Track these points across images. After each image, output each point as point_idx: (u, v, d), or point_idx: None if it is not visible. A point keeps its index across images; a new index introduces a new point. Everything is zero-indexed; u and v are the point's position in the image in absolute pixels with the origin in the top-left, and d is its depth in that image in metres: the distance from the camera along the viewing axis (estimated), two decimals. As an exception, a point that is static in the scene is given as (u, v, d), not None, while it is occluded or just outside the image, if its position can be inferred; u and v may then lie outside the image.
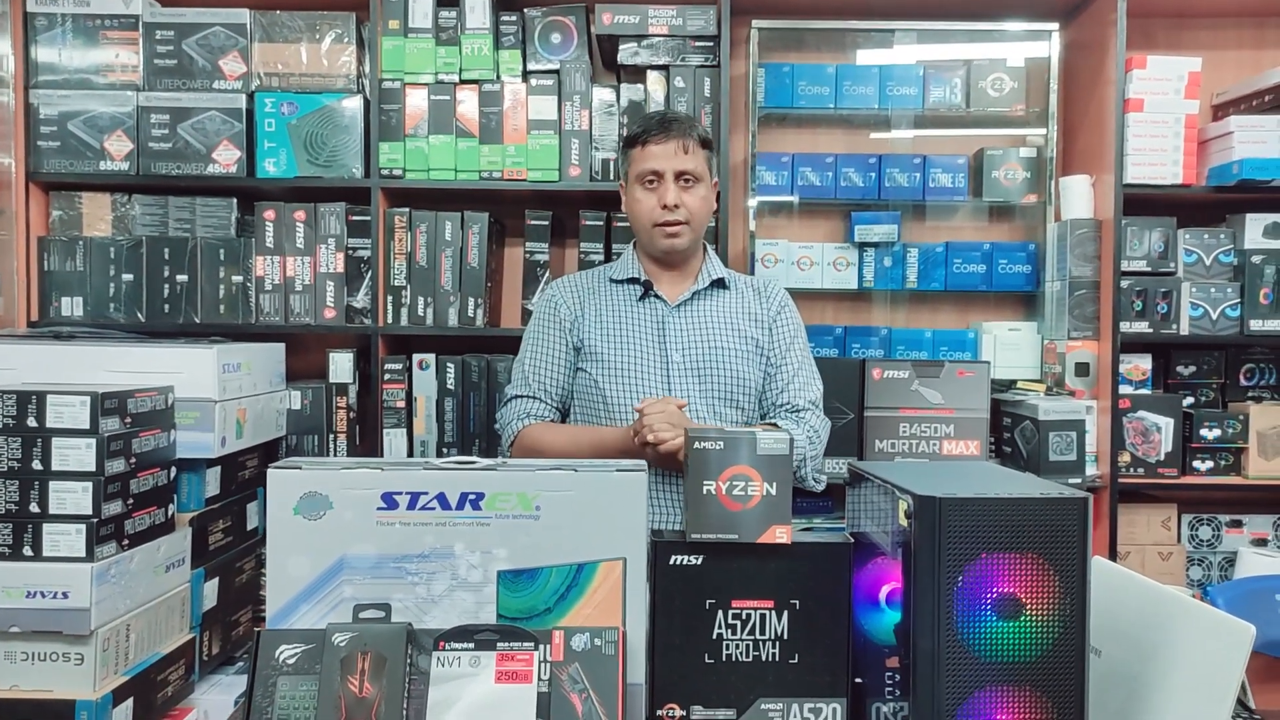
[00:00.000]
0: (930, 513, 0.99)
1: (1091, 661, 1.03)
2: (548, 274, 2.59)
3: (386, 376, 2.50)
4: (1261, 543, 2.70)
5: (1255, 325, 2.57)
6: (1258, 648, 2.07)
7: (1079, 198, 2.61)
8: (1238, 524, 2.71)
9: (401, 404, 2.50)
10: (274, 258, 2.52)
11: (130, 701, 1.50)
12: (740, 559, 1.14)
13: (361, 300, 2.53)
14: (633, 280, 1.93)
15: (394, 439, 2.50)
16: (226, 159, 2.48)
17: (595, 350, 1.86)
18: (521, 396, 1.91)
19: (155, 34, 2.49)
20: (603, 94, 2.55)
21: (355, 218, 2.52)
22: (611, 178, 2.53)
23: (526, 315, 2.58)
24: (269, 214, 2.52)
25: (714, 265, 1.96)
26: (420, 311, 2.53)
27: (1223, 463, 2.61)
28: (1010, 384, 2.69)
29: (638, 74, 2.58)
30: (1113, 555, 2.51)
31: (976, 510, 1.00)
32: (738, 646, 1.14)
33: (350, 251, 2.53)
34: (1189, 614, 1.09)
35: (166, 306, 2.49)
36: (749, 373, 1.87)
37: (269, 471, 1.13)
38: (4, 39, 2.45)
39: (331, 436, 2.50)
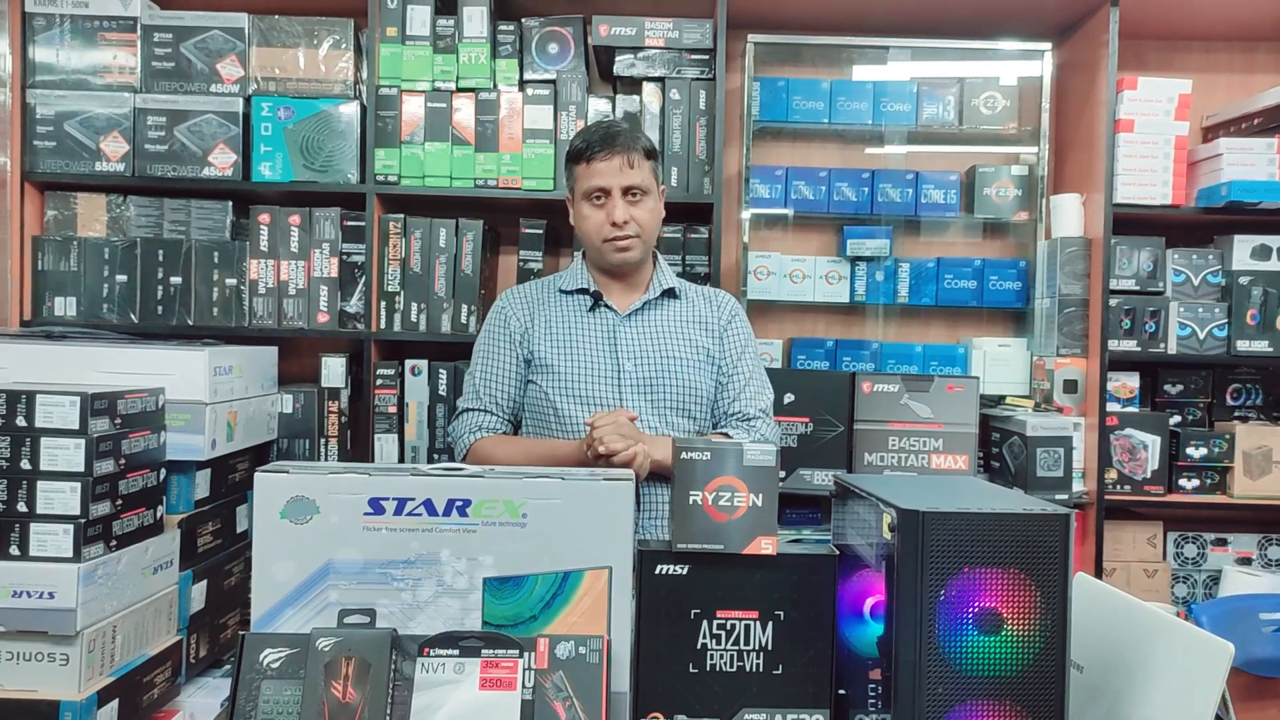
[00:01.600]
0: (913, 526, 1.00)
1: (1073, 677, 1.04)
2: (541, 282, 2.60)
3: (378, 382, 2.50)
4: (1246, 561, 2.72)
5: (1242, 345, 2.59)
6: (1241, 665, 2.09)
7: (1069, 216, 2.63)
8: (1223, 542, 2.73)
9: (393, 409, 2.51)
10: (268, 261, 2.52)
11: (115, 703, 1.50)
12: (725, 569, 1.15)
13: (355, 305, 2.54)
14: (582, 291, 1.93)
15: (385, 444, 2.50)
16: (222, 162, 2.49)
17: (546, 362, 1.86)
18: (473, 410, 1.90)
19: (153, 36, 2.49)
20: (598, 104, 2.56)
21: (350, 223, 2.53)
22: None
23: (519, 323, 2.59)
24: (264, 218, 2.52)
25: (664, 275, 1.96)
26: (413, 317, 2.54)
27: (1209, 481, 2.63)
28: (999, 399, 2.70)
29: (634, 85, 2.60)
30: (1099, 572, 2.52)
31: (959, 524, 1.01)
32: (722, 656, 1.15)
33: (344, 256, 2.53)
34: (1170, 631, 1.10)
35: (160, 308, 2.49)
36: (700, 381, 1.88)
37: (256, 475, 1.13)
38: (2, 38, 2.45)
39: (323, 441, 2.50)
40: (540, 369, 1.87)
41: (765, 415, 1.91)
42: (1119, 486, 2.59)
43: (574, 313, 1.92)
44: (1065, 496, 2.44)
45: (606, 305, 1.91)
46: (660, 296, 1.93)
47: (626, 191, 1.85)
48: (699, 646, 1.14)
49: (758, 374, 1.94)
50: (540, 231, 2.61)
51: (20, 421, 1.44)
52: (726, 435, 1.86)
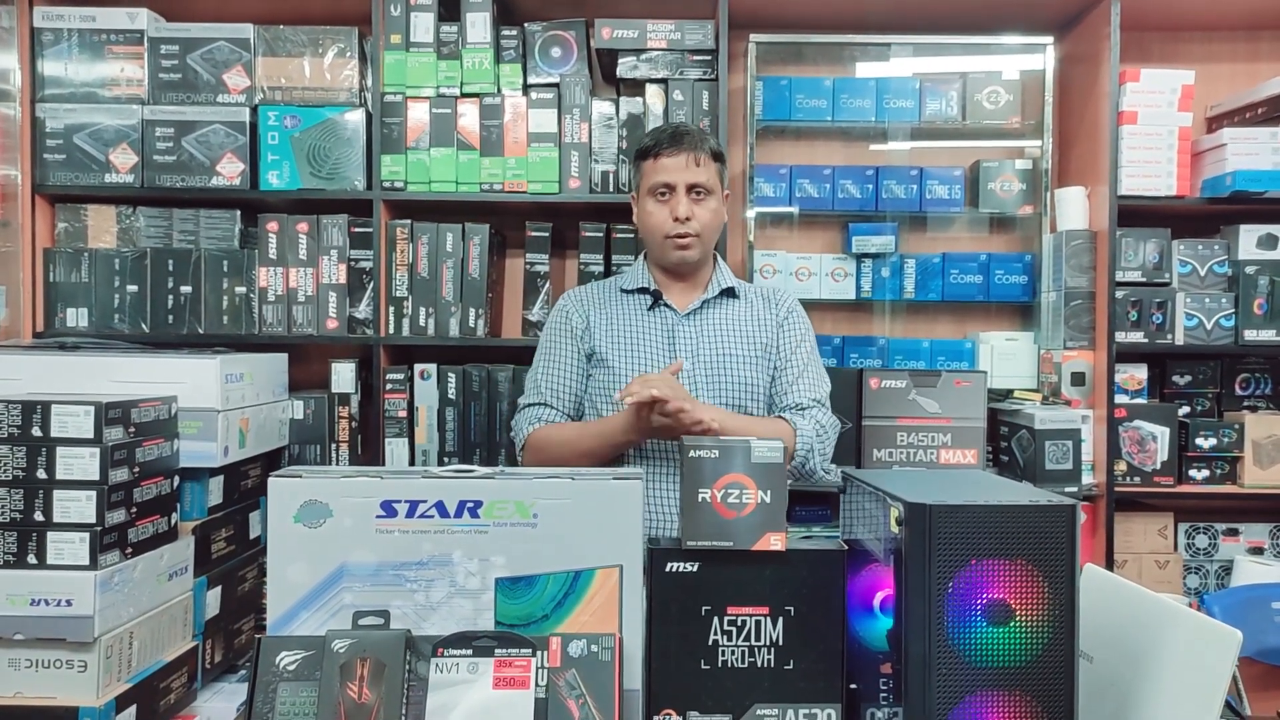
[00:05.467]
0: (920, 519, 1.01)
1: (1083, 667, 1.05)
2: (548, 285, 2.61)
3: (388, 386, 2.52)
4: (1258, 551, 2.72)
5: (1250, 335, 2.59)
6: (1254, 655, 2.09)
7: (1074, 209, 2.63)
8: (1234, 532, 2.73)
9: (403, 413, 2.52)
10: (277, 269, 2.54)
11: (133, 709, 1.51)
12: (735, 566, 1.15)
13: (364, 311, 2.55)
14: (643, 290, 1.95)
15: (396, 448, 2.52)
16: (230, 171, 2.51)
17: (606, 359, 1.88)
18: (534, 405, 1.92)
19: (160, 48, 2.52)
20: (602, 107, 2.57)
21: (357, 229, 2.55)
22: (611, 190, 2.55)
23: (527, 325, 2.60)
24: (272, 226, 2.54)
25: (724, 275, 1.97)
26: (422, 322, 2.56)
27: (1219, 471, 2.62)
28: (1007, 393, 2.70)
29: (637, 87, 2.61)
30: (1110, 564, 2.52)
31: (966, 517, 1.01)
32: (733, 652, 1.15)
33: (352, 263, 2.55)
34: (1178, 620, 1.10)
35: (170, 317, 2.52)
36: (757, 377, 1.89)
37: (270, 480, 1.14)
38: (11, 53, 2.47)
39: (334, 446, 2.52)
40: (600, 366, 1.89)
41: (820, 404, 1.90)
42: (1129, 478, 2.59)
43: (634, 311, 1.93)
44: (1075, 489, 2.45)
45: (666, 304, 1.92)
46: (719, 296, 1.94)
47: (691, 189, 1.86)
48: (710, 643, 1.15)
49: (813, 365, 1.94)
50: (546, 234, 2.62)
51: (36, 431, 1.46)
52: (784, 419, 1.85)
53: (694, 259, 1.90)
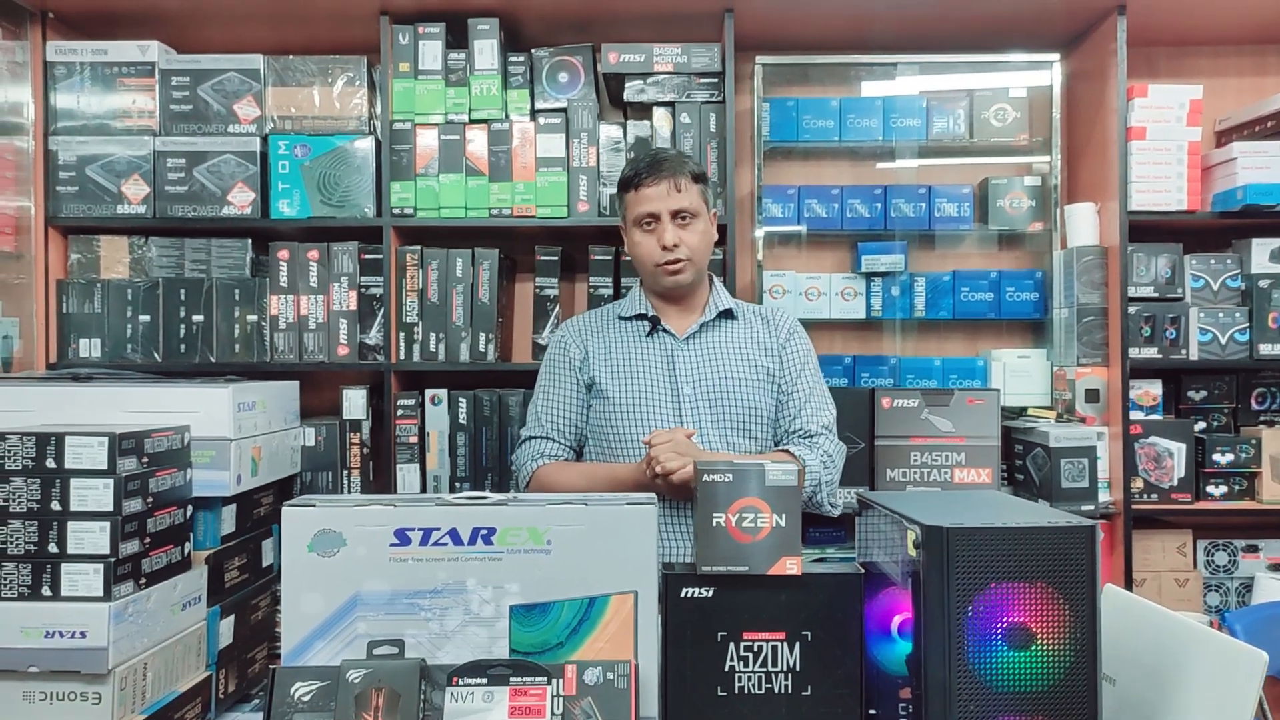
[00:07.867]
0: (938, 543, 1.00)
1: (1106, 690, 1.03)
2: (558, 308, 2.61)
3: (399, 412, 2.52)
4: (1278, 568, 2.68)
5: (1265, 349, 2.57)
6: (1278, 674, 2.06)
7: (1084, 225, 2.62)
8: (1254, 549, 2.70)
9: (414, 439, 2.52)
10: (288, 297, 2.55)
11: (147, 740, 1.50)
12: (751, 591, 1.14)
13: (374, 337, 2.56)
14: (640, 316, 1.95)
15: (407, 474, 2.52)
16: (241, 201, 2.52)
17: (606, 387, 1.88)
18: (535, 438, 1.92)
19: (171, 80, 2.54)
20: (610, 131, 2.58)
21: (368, 256, 2.56)
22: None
23: (537, 350, 2.60)
24: (283, 254, 2.55)
25: (720, 296, 1.97)
26: (432, 348, 2.56)
27: (1237, 487, 2.60)
28: (1021, 411, 2.69)
29: (644, 111, 2.62)
30: (1129, 582, 2.49)
31: (984, 540, 1.00)
32: (750, 679, 1.14)
33: (363, 290, 2.56)
34: (1202, 642, 1.09)
35: (183, 346, 2.53)
36: (761, 401, 1.88)
37: (283, 509, 1.14)
38: (24, 87, 2.50)
39: (345, 473, 2.52)
40: (600, 395, 1.89)
41: (828, 432, 1.90)
42: (1146, 495, 2.57)
43: (633, 338, 1.94)
44: (1091, 507, 2.43)
45: (664, 329, 1.93)
46: (717, 318, 1.95)
47: (675, 215, 1.87)
48: (726, 669, 1.14)
49: (818, 390, 1.93)
50: (556, 258, 2.62)
51: (50, 463, 1.46)
52: (789, 454, 1.85)
53: (686, 282, 1.90)
